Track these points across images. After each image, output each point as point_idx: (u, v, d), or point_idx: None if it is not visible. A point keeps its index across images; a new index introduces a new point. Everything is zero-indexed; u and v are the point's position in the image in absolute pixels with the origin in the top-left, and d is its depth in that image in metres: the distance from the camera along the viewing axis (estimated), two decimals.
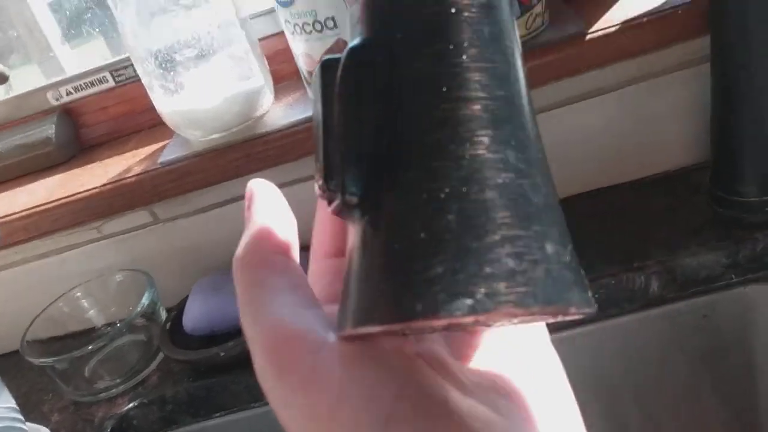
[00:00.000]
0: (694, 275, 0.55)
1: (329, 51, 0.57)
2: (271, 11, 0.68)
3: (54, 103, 0.73)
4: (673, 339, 0.59)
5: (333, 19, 0.55)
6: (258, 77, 0.63)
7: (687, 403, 0.62)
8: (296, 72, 0.68)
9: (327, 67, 0.20)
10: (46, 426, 0.61)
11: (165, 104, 0.62)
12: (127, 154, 0.68)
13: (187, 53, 0.59)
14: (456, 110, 0.19)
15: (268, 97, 0.64)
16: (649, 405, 0.62)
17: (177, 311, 0.64)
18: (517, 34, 0.21)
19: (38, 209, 0.64)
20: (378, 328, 0.19)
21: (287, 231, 0.23)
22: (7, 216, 0.65)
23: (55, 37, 1.38)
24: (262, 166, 0.61)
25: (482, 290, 0.17)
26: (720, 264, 0.55)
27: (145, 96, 0.71)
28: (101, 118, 0.74)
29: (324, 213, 0.26)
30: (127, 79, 0.72)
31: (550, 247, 0.18)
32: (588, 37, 0.56)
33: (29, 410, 0.64)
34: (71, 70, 0.81)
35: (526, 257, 0.18)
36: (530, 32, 0.58)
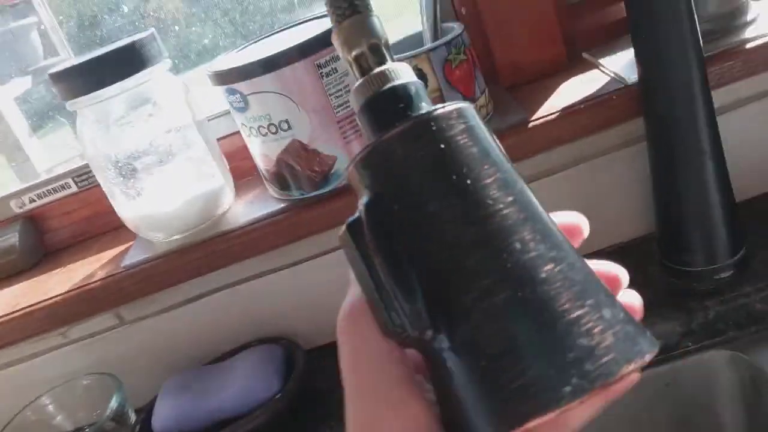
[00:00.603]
0: None
1: (285, 151, 0.59)
2: (228, 112, 0.71)
3: (17, 210, 0.74)
4: (640, 409, 0.59)
5: (287, 121, 0.58)
6: (217, 177, 0.64)
7: None
8: (256, 168, 0.70)
9: (353, 228, 0.23)
10: None
11: (126, 209, 0.63)
12: (91, 258, 0.69)
13: (146, 160, 0.61)
14: (483, 229, 0.22)
15: (228, 196, 0.66)
16: None
17: (146, 412, 0.63)
18: (494, 136, 0.24)
19: (3, 319, 0.64)
20: None
21: None
22: None
23: (23, 130, 1.40)
24: (225, 263, 0.62)
25: (574, 376, 0.19)
26: (675, 333, 0.57)
27: (108, 199, 0.72)
28: (65, 222, 0.74)
29: None
30: (89, 184, 0.73)
31: (607, 313, 0.21)
32: (531, 124, 0.59)
33: None
34: (41, 165, 0.83)
35: (594, 331, 0.20)
36: None
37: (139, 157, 0.61)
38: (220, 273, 0.64)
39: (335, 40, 0.25)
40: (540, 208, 0.23)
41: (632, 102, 0.57)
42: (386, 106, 0.24)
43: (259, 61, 0.56)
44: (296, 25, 0.64)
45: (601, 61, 0.65)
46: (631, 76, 0.58)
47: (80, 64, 0.57)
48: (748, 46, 0.56)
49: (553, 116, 0.59)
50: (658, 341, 0.22)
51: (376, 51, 0.25)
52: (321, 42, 0.56)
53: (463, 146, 0.23)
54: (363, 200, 0.23)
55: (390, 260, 0.22)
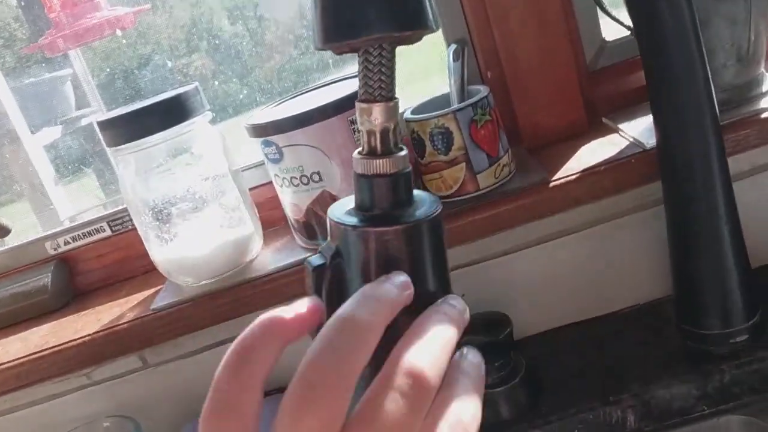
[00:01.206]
0: (668, 407, 0.56)
1: (315, 202, 0.62)
2: (261, 164, 0.74)
3: (51, 252, 0.77)
4: None
5: (319, 173, 0.60)
6: (248, 225, 0.67)
7: None
8: (285, 218, 0.73)
9: (317, 269, 0.30)
10: None
11: (159, 253, 0.65)
12: (120, 300, 0.71)
13: (182, 206, 0.64)
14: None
15: (257, 243, 0.68)
16: None
17: None
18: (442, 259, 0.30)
19: (30, 357, 0.66)
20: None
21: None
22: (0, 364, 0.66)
23: (49, 178, 1.43)
24: (250, 309, 0.64)
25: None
26: (691, 396, 0.57)
27: (140, 243, 0.75)
28: (96, 265, 0.77)
29: None
30: (123, 228, 0.76)
31: None
32: (551, 184, 0.61)
33: None
34: (64, 212, 0.85)
35: None
36: (498, 180, 0.63)
37: (176, 203, 0.63)
38: (246, 319, 0.65)
39: (357, 110, 0.29)
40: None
41: (650, 166, 0.59)
42: (377, 189, 0.29)
43: (295, 115, 0.60)
44: (329, 84, 0.68)
45: (621, 126, 0.67)
46: (650, 141, 0.61)
47: (127, 114, 0.61)
48: (764, 115, 0.58)
49: (573, 177, 0.61)
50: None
51: (385, 134, 0.29)
52: (354, 100, 0.59)
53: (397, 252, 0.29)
54: (330, 248, 0.30)
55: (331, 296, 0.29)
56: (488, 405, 0.59)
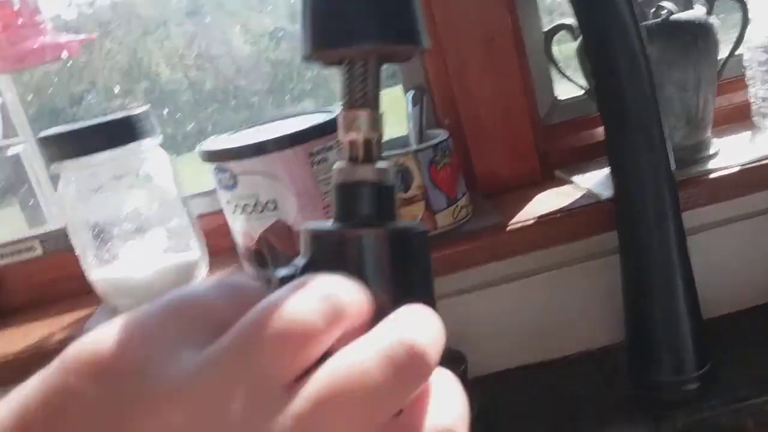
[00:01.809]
0: None
1: (269, 230, 0.60)
2: (210, 192, 0.72)
3: None
4: None
5: (275, 201, 0.59)
6: (194, 251, 0.64)
7: None
8: (232, 247, 0.70)
9: (285, 279, 0.25)
10: None
11: (97, 273, 0.62)
12: (50, 320, 0.66)
13: (125, 227, 0.61)
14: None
15: (202, 270, 0.65)
16: None
17: None
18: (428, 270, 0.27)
19: None
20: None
21: None
22: None
23: None
24: None
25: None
26: None
27: (72, 265, 0.70)
28: (25, 285, 0.72)
29: None
30: (57, 248, 0.71)
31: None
32: (508, 228, 0.61)
33: None
34: None
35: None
36: (456, 221, 0.63)
37: (119, 224, 0.60)
38: None
39: (340, 119, 0.28)
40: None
41: (605, 216, 0.60)
42: (359, 198, 0.27)
43: (253, 144, 0.58)
44: (289, 117, 0.67)
45: (573, 178, 0.69)
46: (604, 192, 0.62)
47: (73, 130, 0.58)
48: (712, 176, 0.61)
49: (529, 222, 0.61)
50: None
51: (368, 144, 0.27)
52: (315, 132, 0.59)
53: (395, 269, 0.26)
54: (302, 260, 0.26)
55: None
56: None
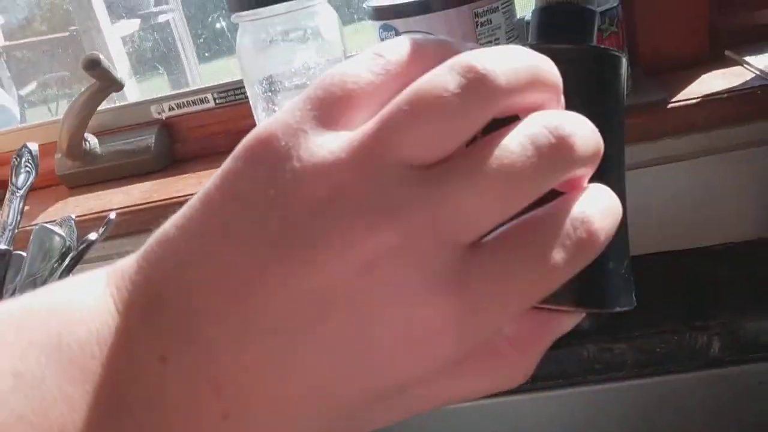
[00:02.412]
0: (755, 340, 0.56)
1: None
2: None
3: (156, 116, 0.79)
4: (727, 404, 0.60)
5: None
6: None
7: None
8: None
9: None
10: None
11: None
12: (217, 169, 0.73)
13: (294, 81, 0.65)
14: None
15: None
16: None
17: None
18: (622, 101, 0.26)
19: (133, 209, 0.69)
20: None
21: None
22: (103, 212, 0.69)
23: (124, 71, 1.46)
24: None
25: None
26: None
27: (241, 118, 0.77)
28: (197, 134, 0.79)
29: None
30: (226, 102, 0.77)
31: (611, 264, 0.24)
32: (669, 106, 0.60)
33: None
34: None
35: (591, 270, 0.22)
36: None
37: (289, 77, 0.64)
38: None
39: None
40: (620, 167, 0.27)
41: None
42: (565, 20, 0.26)
43: (419, 1, 0.59)
44: None
45: (745, 59, 0.65)
46: None
47: None
48: None
49: (693, 101, 0.60)
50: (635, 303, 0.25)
51: None
52: None
53: (592, 92, 0.26)
54: None
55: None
56: None
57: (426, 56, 0.20)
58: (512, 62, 0.19)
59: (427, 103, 0.18)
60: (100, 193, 0.75)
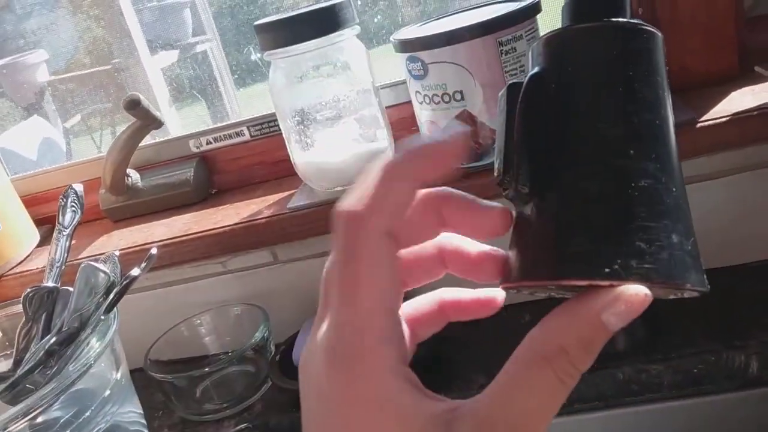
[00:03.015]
0: None
1: (454, 120, 0.63)
2: (398, 83, 0.76)
3: (194, 150, 0.82)
4: (766, 424, 0.59)
5: (461, 92, 0.61)
6: (384, 140, 0.69)
7: None
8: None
9: (512, 87, 0.27)
10: None
11: (299, 156, 0.69)
12: (256, 200, 0.75)
13: (325, 113, 0.67)
14: (609, 129, 0.25)
15: None
16: None
17: (286, 346, 0.69)
18: (665, 70, 0.27)
19: (174, 241, 0.72)
20: (535, 283, 0.25)
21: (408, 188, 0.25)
22: (146, 244, 0.72)
23: (164, 99, 1.50)
24: None
25: (618, 263, 0.23)
26: None
27: (275, 150, 0.79)
28: (234, 167, 0.82)
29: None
30: (261, 134, 0.80)
31: (675, 238, 0.24)
32: (699, 125, 0.60)
33: None
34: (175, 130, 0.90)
35: (655, 243, 0.24)
36: None
37: (320, 110, 0.66)
38: None
39: None
40: (670, 139, 0.26)
41: None
42: (593, 2, 0.27)
43: (444, 33, 0.61)
44: (478, 7, 0.68)
45: None
46: None
47: (284, 19, 0.64)
48: None
49: (722, 119, 0.59)
50: (709, 287, 0.25)
51: None
52: (505, 21, 0.60)
53: (629, 61, 0.26)
54: (531, 71, 0.27)
55: (527, 122, 0.26)
56: None
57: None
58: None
59: None
60: (142, 225, 0.77)
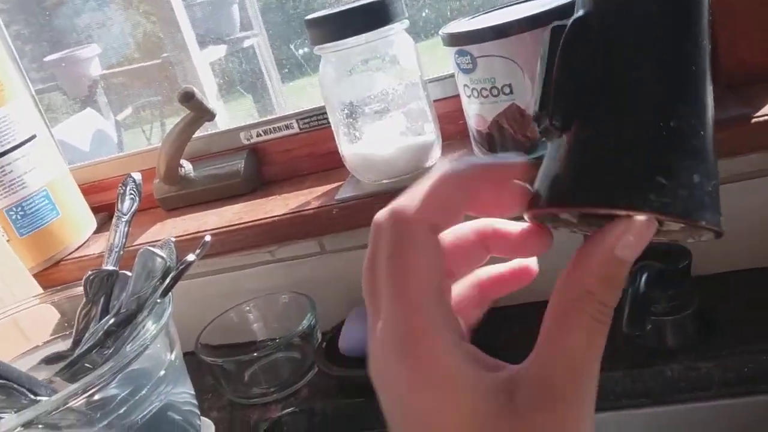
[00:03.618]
0: None
1: (502, 114, 0.63)
2: (446, 77, 0.76)
3: (245, 142, 0.84)
4: None
5: (510, 86, 0.62)
6: (431, 133, 0.70)
7: None
8: (460, 132, 0.75)
9: (556, 30, 0.28)
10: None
11: (347, 148, 0.70)
12: (304, 191, 0.77)
13: (374, 106, 0.68)
14: (647, 74, 0.26)
15: (436, 151, 0.71)
16: None
17: (332, 334, 0.70)
18: (708, 16, 0.27)
19: (225, 230, 0.73)
20: (555, 210, 0.27)
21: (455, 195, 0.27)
22: (198, 233, 0.74)
23: (211, 93, 1.52)
24: None
25: (636, 195, 0.25)
26: None
27: (323, 142, 0.80)
28: (283, 158, 0.83)
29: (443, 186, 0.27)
30: (309, 127, 0.81)
31: (696, 177, 0.26)
32: (753, 120, 0.59)
33: None
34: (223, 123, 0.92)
35: (676, 180, 0.25)
36: None
37: (369, 103, 0.67)
38: None
39: None
40: (703, 89, 0.27)
41: None
42: None
43: (493, 26, 0.61)
44: (527, 0, 0.68)
45: None
46: None
47: (334, 14, 0.65)
48: None
49: None
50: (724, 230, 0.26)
51: None
52: (554, 14, 0.60)
53: (669, 10, 0.27)
54: (575, 15, 0.28)
55: (567, 64, 0.27)
56: (656, 332, 0.59)
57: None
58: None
59: None
60: (195, 215, 0.80)
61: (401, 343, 0.25)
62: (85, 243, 0.81)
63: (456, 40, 0.63)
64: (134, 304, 0.56)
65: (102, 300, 0.59)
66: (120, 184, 0.63)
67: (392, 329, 0.25)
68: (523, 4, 0.67)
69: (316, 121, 0.80)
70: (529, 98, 0.62)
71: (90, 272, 0.58)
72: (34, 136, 0.76)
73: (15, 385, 0.49)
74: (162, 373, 0.54)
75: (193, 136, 0.80)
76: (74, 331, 0.60)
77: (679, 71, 0.26)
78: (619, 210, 0.25)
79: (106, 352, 0.55)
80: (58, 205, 0.78)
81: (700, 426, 0.58)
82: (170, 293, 0.56)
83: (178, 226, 0.78)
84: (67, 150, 1.45)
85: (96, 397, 0.52)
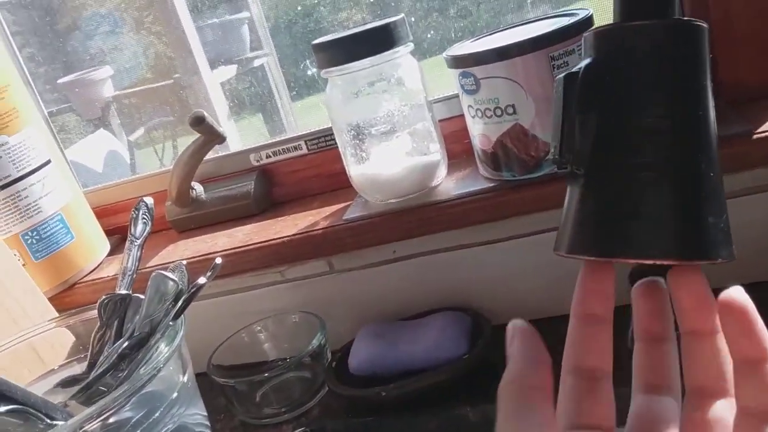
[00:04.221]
0: None
1: (506, 134, 0.64)
2: (451, 97, 0.77)
3: (254, 163, 0.85)
4: None
5: (513, 106, 0.63)
6: (437, 153, 0.71)
7: None
8: (466, 151, 0.76)
9: (569, 78, 0.30)
10: None
11: (354, 169, 0.71)
12: (313, 211, 0.78)
13: (380, 128, 0.69)
14: (658, 122, 0.28)
15: (442, 170, 0.72)
16: None
17: (342, 353, 0.71)
18: (708, 59, 0.29)
19: (235, 251, 0.75)
20: (584, 257, 0.29)
21: (544, 370, 0.28)
22: (209, 254, 0.76)
23: (223, 113, 1.54)
24: (432, 230, 0.68)
25: (659, 246, 0.28)
26: None
27: (331, 163, 0.81)
28: (292, 179, 0.85)
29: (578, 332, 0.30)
30: (318, 148, 0.82)
31: (711, 219, 0.28)
32: (754, 136, 0.59)
33: None
34: (232, 147, 0.94)
35: (694, 225, 0.28)
36: None
37: (375, 124, 0.68)
38: (425, 239, 0.70)
39: None
40: (709, 132, 0.29)
41: None
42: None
43: (496, 48, 0.62)
44: (530, 22, 0.69)
45: None
46: None
47: (340, 38, 0.66)
48: None
49: None
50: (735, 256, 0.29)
51: None
52: (556, 36, 0.61)
53: (676, 58, 0.28)
54: (585, 61, 0.29)
55: (582, 110, 0.29)
56: None
57: None
58: None
59: None
60: (206, 236, 0.81)
61: None
62: (99, 266, 0.83)
63: (459, 62, 0.65)
64: (147, 326, 0.57)
65: (116, 323, 0.60)
66: (133, 209, 0.64)
67: None
68: (525, 26, 0.68)
69: (324, 142, 0.82)
70: (532, 118, 0.63)
71: (104, 296, 0.59)
72: (48, 161, 0.78)
73: (32, 410, 0.50)
74: (175, 395, 0.55)
75: (204, 158, 0.81)
76: (89, 354, 0.61)
77: (689, 118, 0.28)
78: (644, 260, 0.28)
79: (120, 374, 0.56)
80: (73, 228, 0.80)
81: None
82: (182, 316, 0.57)
83: (189, 247, 0.80)
84: (81, 171, 1.47)
85: (111, 420, 0.53)
